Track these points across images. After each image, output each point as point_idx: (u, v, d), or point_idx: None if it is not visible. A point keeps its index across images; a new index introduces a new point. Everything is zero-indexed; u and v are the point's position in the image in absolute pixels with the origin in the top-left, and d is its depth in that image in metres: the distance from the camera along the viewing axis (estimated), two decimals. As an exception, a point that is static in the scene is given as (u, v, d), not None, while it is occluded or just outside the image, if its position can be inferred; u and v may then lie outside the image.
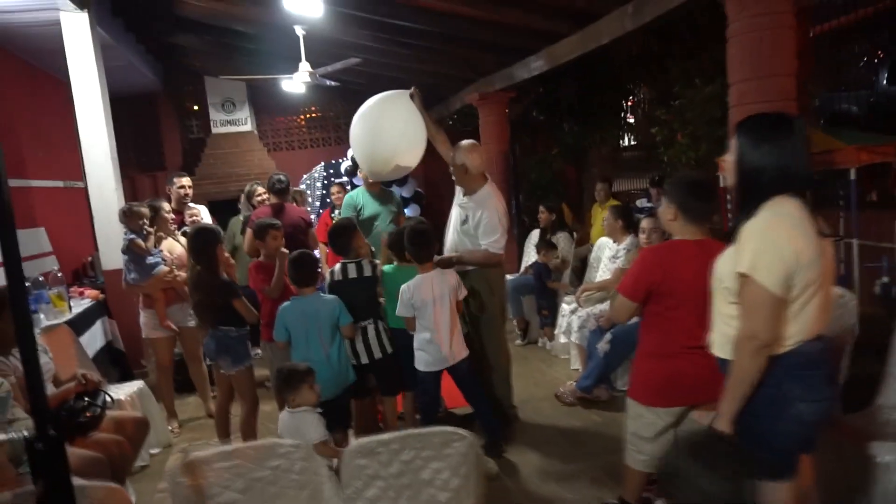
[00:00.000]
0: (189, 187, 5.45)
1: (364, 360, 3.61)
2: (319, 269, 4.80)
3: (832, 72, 7.03)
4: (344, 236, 3.76)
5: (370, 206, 5.26)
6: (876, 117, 6.11)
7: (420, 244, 3.51)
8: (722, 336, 2.06)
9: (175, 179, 5.42)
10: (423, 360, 3.57)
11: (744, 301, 1.92)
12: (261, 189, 5.81)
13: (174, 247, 4.73)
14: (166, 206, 4.81)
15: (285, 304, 3.54)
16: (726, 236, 2.01)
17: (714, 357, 2.10)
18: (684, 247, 2.46)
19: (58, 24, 5.43)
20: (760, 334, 1.87)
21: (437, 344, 3.50)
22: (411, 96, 4.01)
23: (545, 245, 6.10)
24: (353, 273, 3.66)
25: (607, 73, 8.38)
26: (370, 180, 5.20)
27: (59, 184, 7.22)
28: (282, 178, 5.28)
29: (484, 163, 3.86)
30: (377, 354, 3.61)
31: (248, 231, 4.65)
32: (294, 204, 5.88)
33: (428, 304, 3.47)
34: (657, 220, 3.42)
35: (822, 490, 2.48)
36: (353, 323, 3.52)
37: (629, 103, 9.55)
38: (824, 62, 6.92)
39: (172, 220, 4.89)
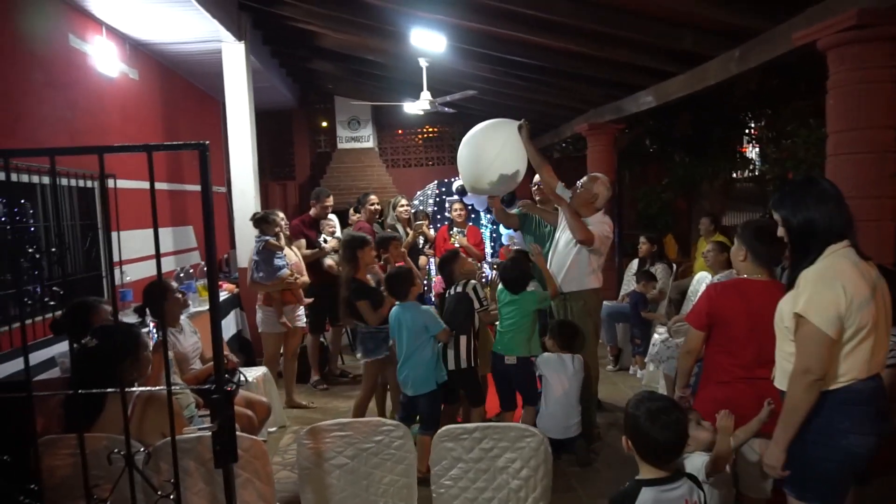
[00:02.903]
0: (331, 206, 6.19)
1: (451, 366, 3.97)
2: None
3: None
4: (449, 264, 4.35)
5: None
6: None
7: (568, 334, 4.10)
8: (782, 371, 2.26)
9: (323, 197, 6.11)
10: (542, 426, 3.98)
11: (799, 339, 2.13)
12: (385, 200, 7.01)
13: (290, 255, 5.34)
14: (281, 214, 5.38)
15: (393, 309, 4.01)
16: (788, 283, 2.23)
17: (767, 387, 2.31)
18: (749, 285, 2.69)
19: (218, 52, 6.29)
20: (813, 369, 2.08)
21: (554, 417, 3.94)
22: (519, 128, 4.27)
23: (644, 275, 6.22)
24: (452, 291, 4.19)
25: (724, 106, 8.34)
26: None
27: (206, 188, 8.19)
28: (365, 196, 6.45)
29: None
30: (463, 365, 3.97)
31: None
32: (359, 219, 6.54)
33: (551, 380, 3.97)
34: None
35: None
36: (444, 330, 3.86)
37: (752, 133, 9.31)
38: None
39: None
